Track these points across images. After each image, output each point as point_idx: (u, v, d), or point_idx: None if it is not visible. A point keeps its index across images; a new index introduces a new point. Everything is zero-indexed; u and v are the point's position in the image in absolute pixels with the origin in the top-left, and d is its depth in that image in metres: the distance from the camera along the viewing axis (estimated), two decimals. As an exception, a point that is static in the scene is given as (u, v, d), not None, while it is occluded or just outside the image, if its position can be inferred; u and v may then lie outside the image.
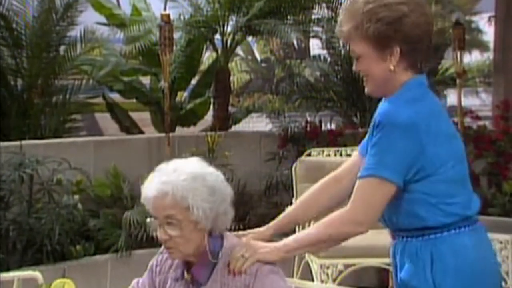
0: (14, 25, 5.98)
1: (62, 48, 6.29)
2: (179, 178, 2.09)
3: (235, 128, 6.98)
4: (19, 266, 4.57)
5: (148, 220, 2.17)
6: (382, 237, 4.73)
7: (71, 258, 4.81)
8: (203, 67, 7.51)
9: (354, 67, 2.23)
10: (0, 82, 6.02)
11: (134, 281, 2.32)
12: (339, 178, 2.36)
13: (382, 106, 2.17)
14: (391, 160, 2.07)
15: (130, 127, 6.94)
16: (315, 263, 4.42)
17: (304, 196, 2.39)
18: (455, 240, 2.10)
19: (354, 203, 2.12)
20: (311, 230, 2.20)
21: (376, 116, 2.13)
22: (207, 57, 8.35)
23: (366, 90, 2.24)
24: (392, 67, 2.15)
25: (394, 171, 2.07)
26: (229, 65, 7.20)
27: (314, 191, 2.38)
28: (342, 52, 7.34)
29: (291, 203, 4.78)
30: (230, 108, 6.94)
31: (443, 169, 2.10)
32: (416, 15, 2.14)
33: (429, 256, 2.10)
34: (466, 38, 6.44)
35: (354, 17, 2.16)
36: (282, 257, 2.17)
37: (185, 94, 7.13)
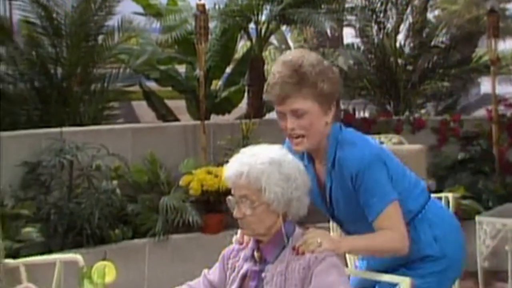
0: (54, 15, 6.04)
1: (100, 37, 6.33)
2: (256, 161, 2.20)
3: (269, 116, 6.98)
4: (60, 249, 4.64)
5: (228, 198, 2.26)
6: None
7: (110, 241, 4.87)
8: (238, 55, 7.51)
9: (290, 124, 2.34)
10: (41, 70, 6.10)
11: (204, 271, 2.40)
12: None
13: (344, 158, 2.37)
14: (387, 186, 2.38)
15: (166, 114, 6.98)
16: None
17: None
18: (432, 208, 2.57)
19: (393, 228, 2.38)
20: (370, 239, 2.40)
21: (349, 169, 2.36)
22: (242, 46, 8.34)
23: (300, 148, 2.39)
24: (328, 121, 2.38)
25: (393, 191, 2.40)
26: (263, 54, 7.19)
27: None
28: (376, 40, 7.30)
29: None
30: (264, 96, 6.90)
31: (401, 172, 2.49)
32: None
33: (427, 226, 2.54)
34: (500, 25, 6.34)
35: (305, 78, 2.32)
36: (343, 252, 2.33)
37: (220, 82, 7.14)
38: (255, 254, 2.27)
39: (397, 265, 2.51)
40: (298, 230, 2.28)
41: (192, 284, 2.37)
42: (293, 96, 2.32)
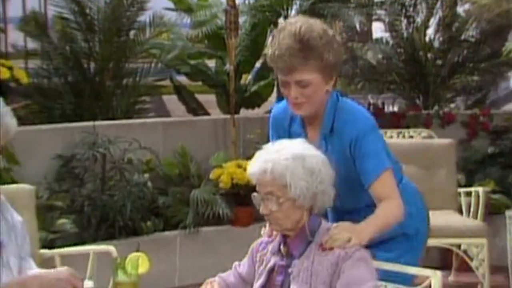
0: (87, 11, 6.09)
1: (132, 32, 6.37)
2: (280, 157, 2.19)
3: (298, 109, 6.96)
4: (93, 240, 4.69)
5: (253, 194, 2.26)
6: (448, 218, 4.70)
7: (142, 233, 4.91)
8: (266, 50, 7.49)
9: (293, 93, 2.39)
10: (74, 65, 6.15)
11: (235, 263, 2.41)
12: None
13: (345, 122, 2.44)
14: (383, 153, 2.45)
15: (196, 108, 7.00)
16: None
17: None
18: (405, 186, 2.61)
19: (390, 195, 2.41)
20: (380, 218, 2.38)
21: (349, 134, 2.42)
22: (271, 40, 8.32)
23: (301, 112, 2.46)
24: (329, 89, 2.44)
25: (389, 159, 2.46)
26: (293, 48, 7.16)
27: None
28: (405, 35, 7.23)
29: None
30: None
31: (387, 147, 2.53)
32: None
33: (405, 202, 2.51)
34: (532, 19, 6.25)
35: (312, 51, 2.35)
36: (366, 241, 2.31)
37: (250, 76, 7.14)
38: (282, 248, 2.27)
39: (375, 243, 2.45)
40: (323, 224, 2.27)
41: (223, 276, 2.39)
42: (300, 68, 2.36)
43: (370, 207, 2.44)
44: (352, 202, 2.52)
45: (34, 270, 2.19)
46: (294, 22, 2.43)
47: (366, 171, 2.42)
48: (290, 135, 2.52)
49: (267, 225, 2.36)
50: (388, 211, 2.40)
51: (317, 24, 2.41)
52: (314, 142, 2.46)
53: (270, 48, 2.43)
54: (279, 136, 2.53)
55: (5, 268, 2.08)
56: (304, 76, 2.36)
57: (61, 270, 2.07)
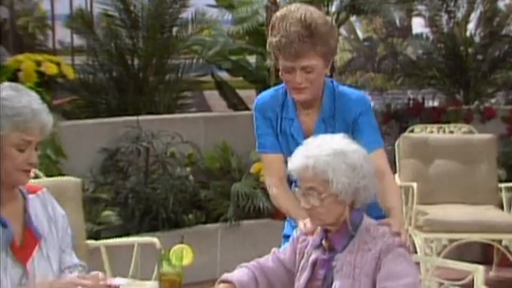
0: (132, 8, 6.15)
1: (174, 29, 6.41)
2: (321, 153, 2.17)
3: (338, 105, 6.93)
4: (137, 232, 4.74)
5: (295, 189, 2.25)
6: (489, 213, 4.63)
7: (184, 226, 4.95)
8: (308, 46, 7.47)
9: (298, 78, 2.44)
10: (119, 61, 6.22)
11: (274, 249, 2.41)
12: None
13: (348, 100, 2.53)
14: (378, 133, 2.56)
15: (237, 104, 7.02)
16: (419, 238, 4.37)
17: (293, 201, 2.50)
18: None
19: (386, 168, 2.52)
20: (395, 200, 2.48)
21: (353, 110, 2.52)
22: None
23: (302, 97, 2.50)
24: (327, 73, 2.50)
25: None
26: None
27: (293, 199, 2.49)
28: (445, 30, 7.14)
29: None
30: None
31: None
32: None
33: None
34: None
35: (320, 37, 2.41)
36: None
37: (290, 72, 7.12)
38: (324, 243, 2.26)
39: None
40: (365, 218, 2.25)
41: (261, 261, 2.38)
42: (308, 54, 2.40)
43: None
44: None
45: (74, 260, 2.21)
46: (296, 9, 2.46)
47: (368, 141, 2.45)
48: (282, 121, 2.57)
49: (300, 223, 2.35)
50: (395, 188, 2.54)
51: (317, 12, 2.47)
52: (309, 127, 2.53)
53: (274, 36, 2.44)
54: (271, 124, 2.58)
55: (45, 260, 2.12)
56: (311, 61, 2.41)
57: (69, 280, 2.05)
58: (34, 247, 2.10)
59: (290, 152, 2.40)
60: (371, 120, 2.55)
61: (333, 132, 2.44)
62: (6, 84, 2.11)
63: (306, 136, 2.47)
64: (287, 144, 2.58)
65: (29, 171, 2.09)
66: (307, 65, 2.41)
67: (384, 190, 2.40)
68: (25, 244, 2.08)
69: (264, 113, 2.61)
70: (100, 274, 2.10)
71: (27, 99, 2.04)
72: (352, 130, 2.51)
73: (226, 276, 2.26)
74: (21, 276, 2.06)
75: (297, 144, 2.43)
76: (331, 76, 6.67)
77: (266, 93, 2.64)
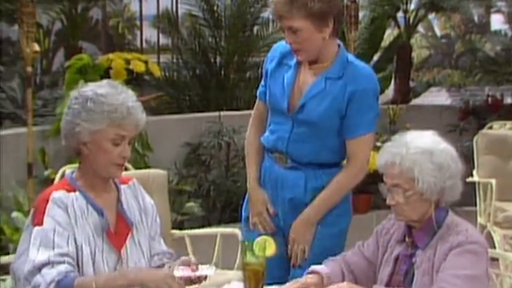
0: (215, 8, 6.22)
1: (255, 28, 6.44)
2: (408, 151, 2.13)
3: (415, 101, 6.80)
4: (218, 223, 4.79)
5: (380, 185, 2.22)
6: None
7: (263, 218, 4.95)
8: (384, 43, 7.37)
9: (288, 39, 2.48)
10: (202, 59, 6.30)
11: (359, 243, 2.38)
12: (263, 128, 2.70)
13: (359, 72, 2.51)
14: (376, 117, 2.53)
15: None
16: (498, 234, 4.25)
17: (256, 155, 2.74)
18: None
19: (359, 158, 2.52)
20: (334, 196, 2.53)
21: (358, 83, 2.48)
22: (388, 34, 8.18)
23: (299, 58, 2.52)
24: (326, 37, 2.48)
25: (376, 125, 2.56)
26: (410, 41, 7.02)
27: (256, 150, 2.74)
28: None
29: (471, 174, 4.63)
30: (410, 82, 6.78)
31: None
32: None
33: None
34: None
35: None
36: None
37: (367, 69, 7.04)
38: (407, 239, 2.22)
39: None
40: (450, 215, 2.19)
41: (346, 255, 2.36)
42: (286, 15, 2.46)
43: (321, 167, 2.54)
44: (307, 154, 2.54)
45: (163, 248, 2.25)
46: None
47: (358, 123, 2.48)
48: (279, 66, 2.59)
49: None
50: (337, 188, 2.52)
51: None
52: (306, 80, 2.53)
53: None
54: (272, 66, 2.60)
55: (137, 247, 2.16)
56: (291, 23, 2.45)
57: (160, 273, 2.05)
58: (127, 234, 2.15)
59: (270, 95, 2.54)
60: (372, 100, 2.51)
61: (329, 90, 2.48)
62: (105, 81, 2.17)
63: (297, 86, 2.54)
64: (273, 87, 2.59)
65: (122, 164, 2.14)
66: (290, 26, 2.46)
67: (332, 180, 2.50)
68: (118, 231, 2.14)
69: (275, 53, 2.64)
70: (192, 258, 2.14)
71: (124, 96, 2.09)
72: (348, 102, 2.48)
73: (314, 267, 2.26)
74: (115, 261, 2.12)
75: (283, 89, 2.53)
76: (409, 72, 6.62)
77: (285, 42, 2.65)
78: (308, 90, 2.53)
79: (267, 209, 2.63)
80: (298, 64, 2.57)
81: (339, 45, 2.55)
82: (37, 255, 1.99)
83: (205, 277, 2.07)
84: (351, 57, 2.59)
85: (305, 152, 2.54)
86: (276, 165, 2.62)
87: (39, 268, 1.98)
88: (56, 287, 1.96)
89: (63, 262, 1.99)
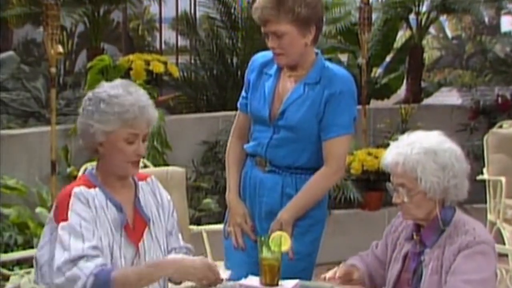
0: (232, 10, 6.21)
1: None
2: (412, 151, 2.12)
3: (426, 101, 6.77)
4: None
5: (387, 184, 2.21)
6: None
7: (278, 215, 4.94)
8: (396, 44, 7.35)
9: (271, 43, 2.45)
10: (219, 60, 6.29)
11: (374, 243, 2.38)
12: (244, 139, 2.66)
13: (335, 74, 2.48)
14: (351, 119, 2.49)
15: (329, 100, 6.96)
16: (507, 231, 4.22)
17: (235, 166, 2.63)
18: None
19: (335, 159, 2.47)
20: (310, 197, 2.50)
21: (335, 86, 2.45)
22: (400, 35, 8.16)
23: (280, 63, 2.49)
24: (308, 43, 2.46)
25: (353, 127, 2.52)
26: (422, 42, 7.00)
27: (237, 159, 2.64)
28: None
29: (481, 172, 4.60)
30: (422, 82, 6.76)
31: None
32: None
33: None
34: None
35: (283, 4, 2.40)
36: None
37: (380, 69, 7.01)
38: (415, 237, 2.20)
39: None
40: (457, 214, 2.16)
41: (363, 255, 2.36)
42: (272, 20, 2.42)
43: (300, 171, 2.49)
44: (285, 157, 2.50)
45: (180, 243, 2.25)
46: None
47: (334, 124, 2.44)
48: (262, 75, 2.55)
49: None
50: (315, 187, 2.47)
51: None
52: (286, 87, 2.50)
53: (254, 3, 2.50)
54: (253, 77, 2.57)
55: (154, 242, 2.16)
56: (279, 27, 2.42)
57: (198, 260, 2.07)
58: (144, 229, 2.15)
59: (252, 106, 2.50)
60: (348, 102, 2.47)
61: (308, 95, 2.45)
62: (118, 81, 2.16)
63: (277, 94, 2.51)
64: (254, 97, 2.56)
65: (137, 162, 2.14)
66: (275, 30, 2.42)
67: (310, 179, 2.45)
68: (136, 226, 2.14)
69: (255, 64, 2.61)
70: (215, 263, 2.13)
71: (135, 96, 2.09)
72: (326, 104, 2.45)
73: (354, 262, 2.29)
74: (133, 255, 2.11)
75: (264, 98, 2.49)
76: (421, 73, 6.59)
77: (265, 52, 2.63)
78: (288, 97, 2.50)
79: (246, 222, 2.57)
80: (278, 72, 2.55)
81: (317, 53, 2.54)
82: (70, 247, 1.99)
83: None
84: (328, 63, 2.56)
85: (283, 155, 2.51)
86: (256, 169, 2.57)
87: (74, 261, 1.98)
88: (94, 279, 1.96)
89: (97, 256, 2.00)
